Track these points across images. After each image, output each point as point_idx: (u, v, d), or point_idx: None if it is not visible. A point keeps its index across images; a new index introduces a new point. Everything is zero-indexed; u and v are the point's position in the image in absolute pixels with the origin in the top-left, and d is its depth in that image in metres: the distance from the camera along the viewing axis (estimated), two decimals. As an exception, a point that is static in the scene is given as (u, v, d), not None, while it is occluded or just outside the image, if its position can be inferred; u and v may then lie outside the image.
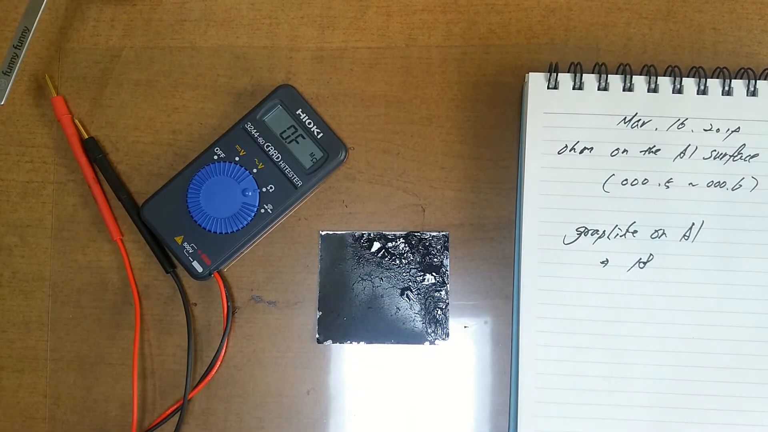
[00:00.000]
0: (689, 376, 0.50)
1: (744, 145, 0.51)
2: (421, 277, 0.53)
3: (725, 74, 0.51)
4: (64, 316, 0.54)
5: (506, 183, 0.54)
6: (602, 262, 0.51)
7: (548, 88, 0.51)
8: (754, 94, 0.51)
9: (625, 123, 0.51)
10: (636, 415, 0.50)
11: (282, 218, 0.53)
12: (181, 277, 0.54)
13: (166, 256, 0.53)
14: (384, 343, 0.53)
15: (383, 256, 0.53)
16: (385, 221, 0.54)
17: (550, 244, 0.51)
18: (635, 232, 0.51)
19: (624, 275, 0.51)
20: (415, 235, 0.53)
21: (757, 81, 0.51)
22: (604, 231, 0.51)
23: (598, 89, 0.51)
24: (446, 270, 0.53)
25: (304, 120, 0.52)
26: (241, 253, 0.53)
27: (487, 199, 0.53)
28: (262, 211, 0.52)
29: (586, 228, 0.51)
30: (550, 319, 0.51)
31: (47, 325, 0.54)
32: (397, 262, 0.53)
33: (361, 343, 0.53)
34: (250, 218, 0.51)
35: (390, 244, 0.53)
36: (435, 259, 0.53)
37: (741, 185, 0.51)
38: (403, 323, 0.53)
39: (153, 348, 0.53)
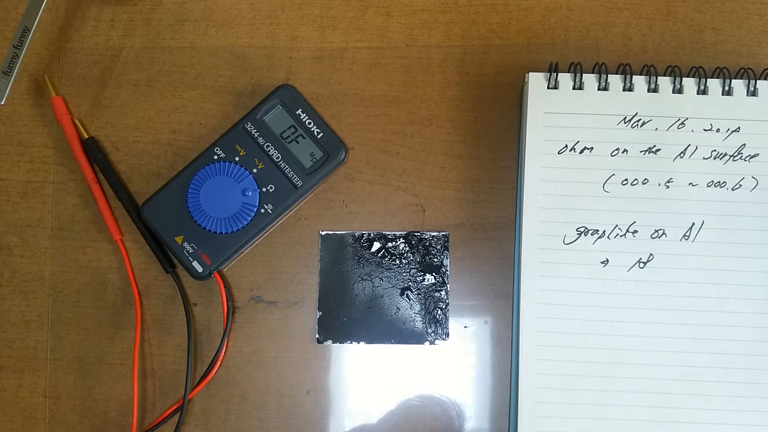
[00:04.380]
0: (689, 376, 0.50)
1: (744, 145, 0.51)
2: (421, 277, 0.53)
3: (725, 74, 0.51)
4: (64, 316, 0.54)
5: (506, 183, 0.54)
6: (602, 262, 0.51)
7: (548, 88, 0.51)
8: (754, 94, 0.51)
9: (625, 123, 0.51)
10: (636, 415, 0.50)
11: (282, 218, 0.53)
12: (181, 277, 0.54)
13: (166, 256, 0.53)
14: (384, 343, 0.53)
15: (383, 256, 0.53)
16: (385, 221, 0.54)
17: (550, 244, 0.51)
18: (635, 232, 0.51)
19: (624, 275, 0.51)
20: (415, 235, 0.53)
21: (757, 81, 0.51)
22: (604, 231, 0.51)
23: (598, 89, 0.51)
24: (446, 270, 0.53)
25: (304, 120, 0.52)
26: (241, 253, 0.53)
27: (487, 199, 0.53)
28: (262, 211, 0.52)
29: (586, 228, 0.51)
30: (550, 319, 0.51)
31: (47, 325, 0.54)
32: (397, 262, 0.53)
33: (361, 343, 0.53)
34: (250, 218, 0.51)
35: (390, 244, 0.53)
36: (435, 259, 0.53)
37: (741, 185, 0.51)
38: (403, 323, 0.53)
39: (153, 348, 0.53)
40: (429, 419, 0.53)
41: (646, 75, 0.51)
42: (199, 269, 0.51)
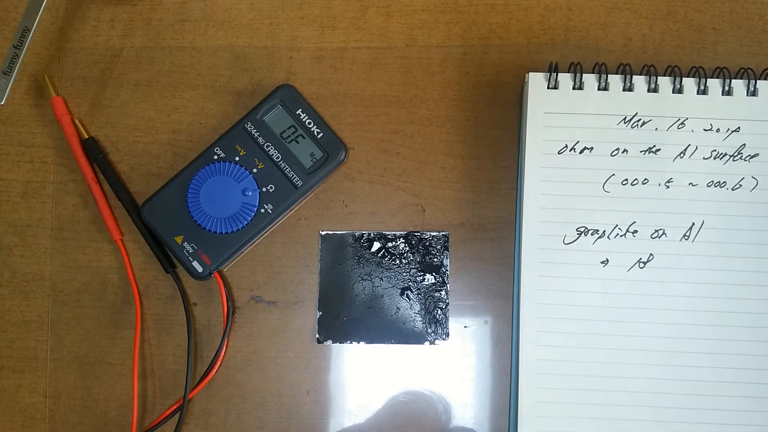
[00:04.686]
0: (689, 375, 0.50)
1: (744, 145, 0.51)
2: (421, 277, 0.53)
3: (725, 74, 0.51)
4: (64, 316, 0.54)
5: (506, 183, 0.54)
6: (602, 262, 0.51)
7: (548, 88, 0.51)
8: (754, 94, 0.51)
9: (625, 123, 0.51)
10: (636, 415, 0.50)
11: (282, 218, 0.53)
12: (181, 277, 0.54)
13: (166, 256, 0.53)
14: (384, 343, 0.53)
15: (383, 256, 0.53)
16: (385, 221, 0.54)
17: (550, 244, 0.51)
18: (635, 232, 0.51)
19: (624, 275, 0.51)
20: (415, 235, 0.53)
21: (757, 81, 0.51)
22: (604, 231, 0.51)
23: (598, 89, 0.51)
24: (446, 270, 0.53)
25: (304, 120, 0.52)
26: (241, 253, 0.53)
27: (487, 199, 0.53)
28: (262, 211, 0.52)
29: (586, 228, 0.51)
30: (550, 319, 0.51)
31: (47, 325, 0.54)
32: (397, 262, 0.53)
33: (361, 343, 0.53)
34: (250, 218, 0.51)
35: (390, 244, 0.53)
36: (435, 259, 0.53)
37: (741, 185, 0.51)
38: (403, 323, 0.53)
39: (153, 348, 0.53)
40: (428, 419, 0.53)
41: (646, 75, 0.51)
42: (199, 269, 0.51)
